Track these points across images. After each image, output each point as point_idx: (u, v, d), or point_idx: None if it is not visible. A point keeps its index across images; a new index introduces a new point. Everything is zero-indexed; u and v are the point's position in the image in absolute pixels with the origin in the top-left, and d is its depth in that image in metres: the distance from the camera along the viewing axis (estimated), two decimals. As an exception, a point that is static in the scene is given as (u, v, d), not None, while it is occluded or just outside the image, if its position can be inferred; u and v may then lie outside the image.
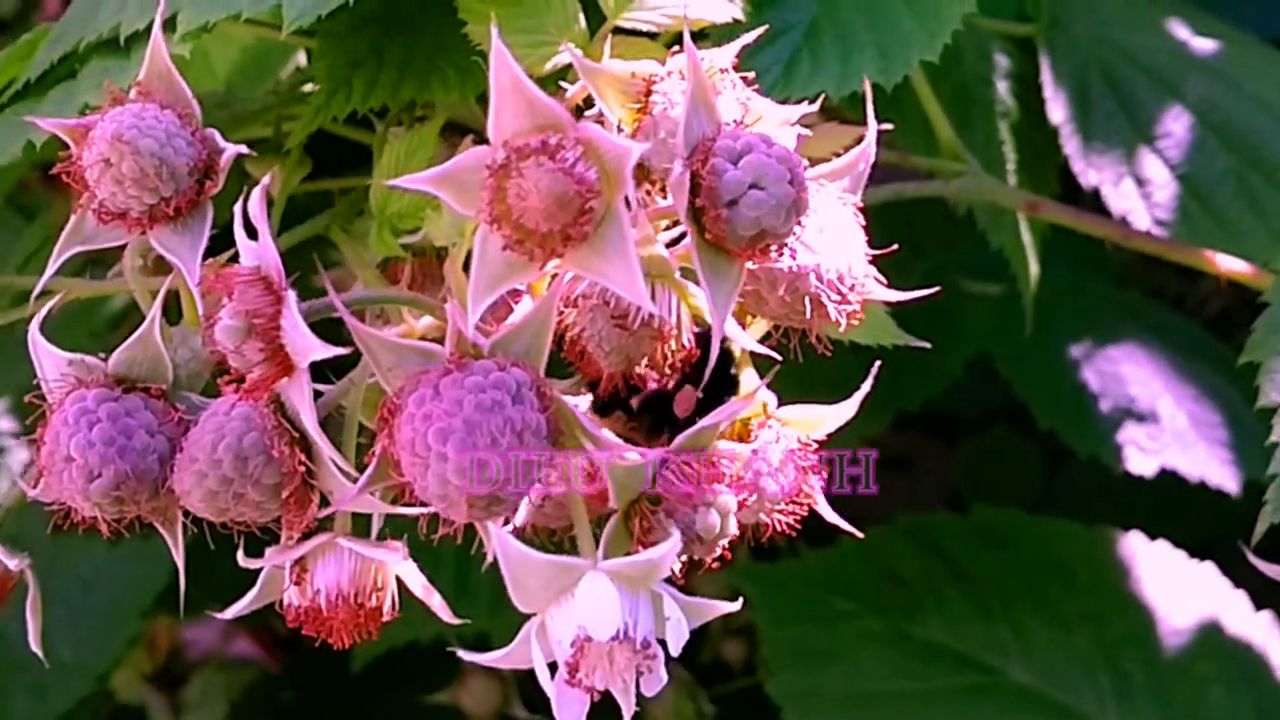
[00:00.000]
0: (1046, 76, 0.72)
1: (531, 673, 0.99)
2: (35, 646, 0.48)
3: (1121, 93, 0.72)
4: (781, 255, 0.41)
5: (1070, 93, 0.72)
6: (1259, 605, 0.82)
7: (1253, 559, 0.55)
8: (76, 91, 0.53)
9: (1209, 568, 0.83)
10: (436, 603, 0.45)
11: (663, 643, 0.40)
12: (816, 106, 0.46)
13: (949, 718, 0.81)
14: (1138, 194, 0.69)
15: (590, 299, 0.43)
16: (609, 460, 0.41)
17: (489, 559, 0.42)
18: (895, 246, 0.46)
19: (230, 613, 0.45)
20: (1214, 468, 0.86)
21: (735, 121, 0.41)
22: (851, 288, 0.44)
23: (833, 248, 0.44)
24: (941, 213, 0.78)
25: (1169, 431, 0.87)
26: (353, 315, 0.40)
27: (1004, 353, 0.92)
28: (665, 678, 0.39)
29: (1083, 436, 0.88)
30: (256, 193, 0.40)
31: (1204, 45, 0.76)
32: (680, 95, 0.43)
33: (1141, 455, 0.87)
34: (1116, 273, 1.08)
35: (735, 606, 0.41)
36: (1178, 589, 0.82)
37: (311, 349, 0.39)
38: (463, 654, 0.93)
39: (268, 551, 0.44)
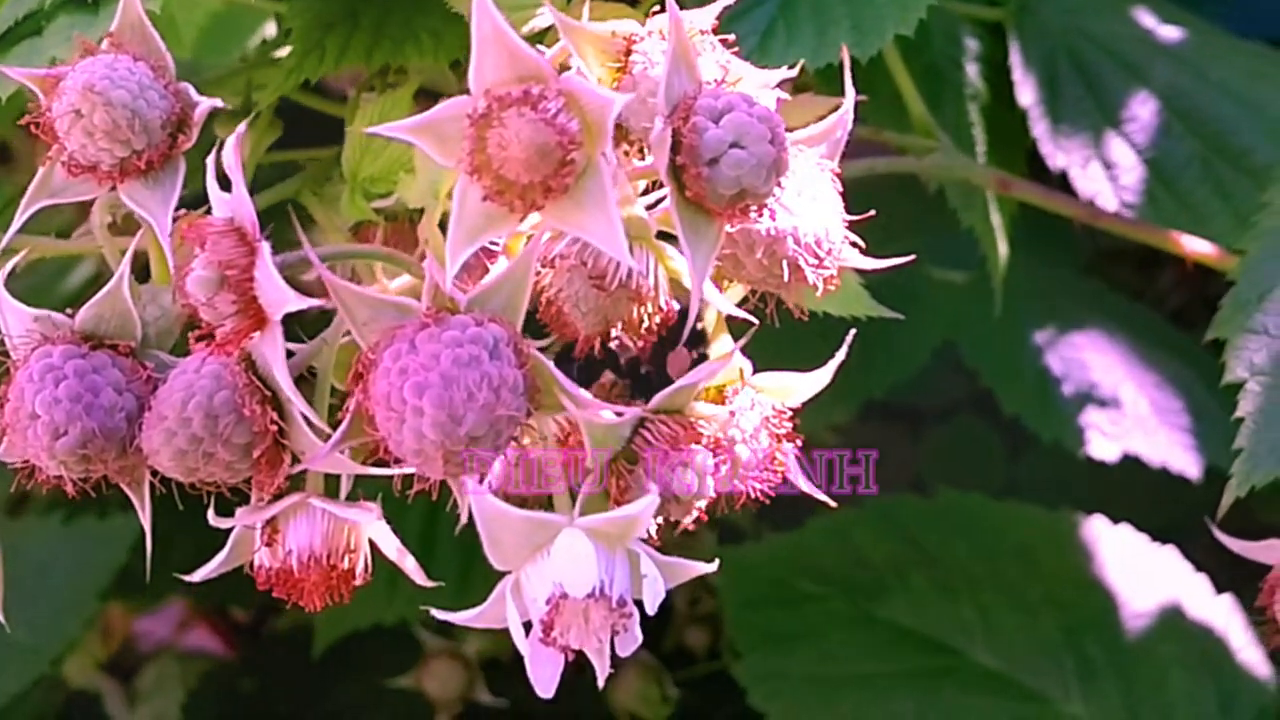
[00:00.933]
0: (1015, 60, 0.72)
1: (494, 658, 0.98)
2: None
3: (1089, 77, 0.72)
4: (760, 216, 0.41)
5: (1039, 76, 0.72)
6: (1218, 589, 0.82)
7: (1219, 536, 0.56)
8: (42, 47, 0.52)
9: (1170, 552, 0.83)
10: (410, 566, 0.44)
11: (639, 603, 0.40)
12: (795, 71, 0.46)
13: (914, 699, 0.81)
14: (1105, 176, 0.70)
15: (568, 259, 0.43)
16: (587, 418, 0.40)
17: (462, 519, 0.42)
18: (873, 213, 0.46)
19: (199, 575, 0.44)
20: (1176, 453, 0.87)
21: (716, 81, 0.41)
22: (829, 253, 0.44)
23: (810, 212, 0.44)
24: (909, 198, 0.78)
25: (1131, 417, 0.88)
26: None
27: (969, 340, 0.92)
28: (640, 637, 0.39)
29: (1046, 421, 0.89)
30: (231, 142, 0.39)
31: (1170, 33, 0.77)
32: (660, 55, 0.43)
33: (1104, 440, 0.87)
34: (1078, 265, 1.09)
35: (711, 567, 0.40)
36: (1140, 572, 0.83)
37: (285, 300, 0.39)
38: (427, 637, 0.93)
39: (238, 512, 0.43)
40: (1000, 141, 0.72)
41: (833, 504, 0.49)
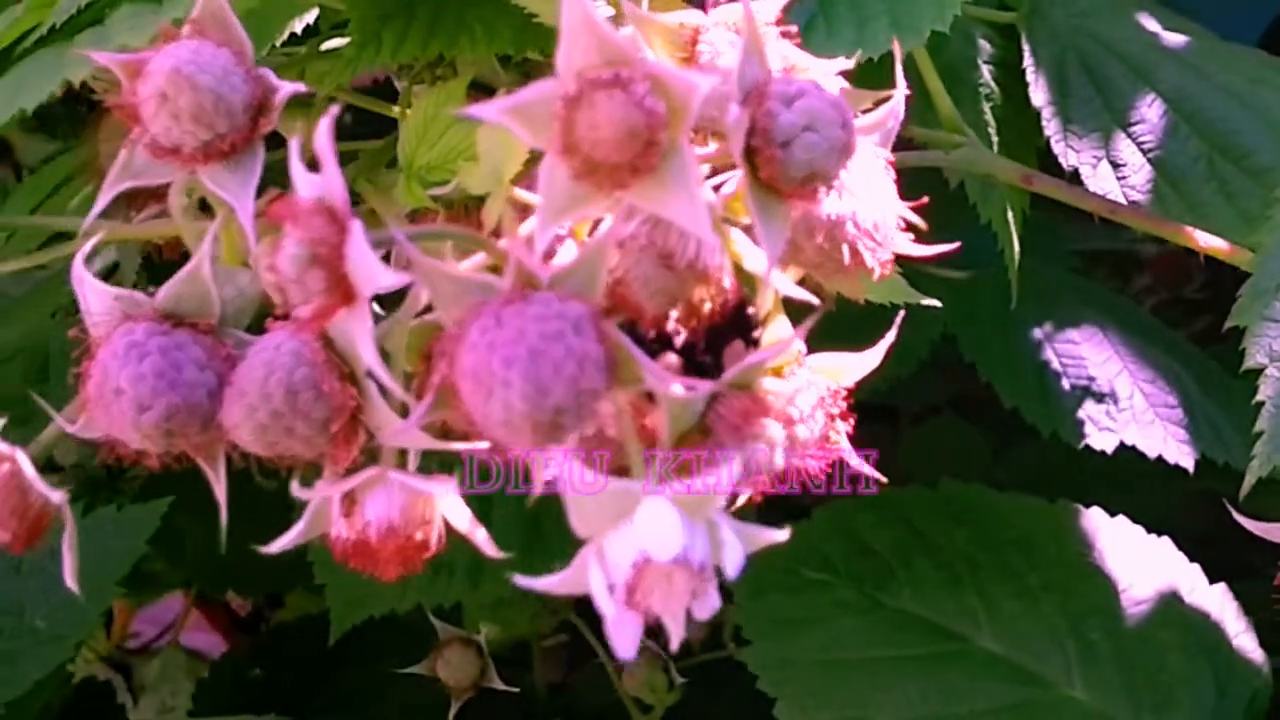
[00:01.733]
0: (1028, 61, 0.74)
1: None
2: (71, 583, 0.48)
3: (1098, 79, 0.75)
4: (825, 199, 0.43)
5: (1050, 78, 0.75)
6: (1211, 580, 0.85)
7: (1240, 519, 0.58)
8: (109, 34, 0.53)
9: (1165, 542, 0.86)
10: (482, 538, 0.46)
11: (718, 569, 0.41)
12: (852, 63, 0.48)
13: (920, 684, 0.83)
14: (1114, 176, 0.72)
15: (637, 239, 0.45)
16: (666, 392, 0.42)
17: (534, 491, 0.43)
18: (926, 200, 0.48)
19: (276, 546, 0.45)
20: (1171, 445, 0.89)
21: (785, 69, 0.43)
22: (886, 239, 0.46)
23: (868, 199, 0.46)
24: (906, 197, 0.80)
25: (1127, 410, 0.90)
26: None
27: (968, 335, 0.94)
28: (718, 602, 0.40)
29: (1045, 414, 0.91)
30: (324, 123, 0.41)
31: (1174, 38, 0.79)
32: (727, 45, 0.45)
33: (1101, 432, 0.90)
34: (1068, 265, 1.11)
35: (784, 535, 0.42)
36: (1137, 562, 0.85)
37: (379, 276, 0.40)
38: (440, 625, 0.94)
39: (317, 484, 0.45)
40: (1013, 141, 0.74)
41: (883, 479, 0.51)
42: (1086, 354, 0.93)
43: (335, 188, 0.41)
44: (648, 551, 0.39)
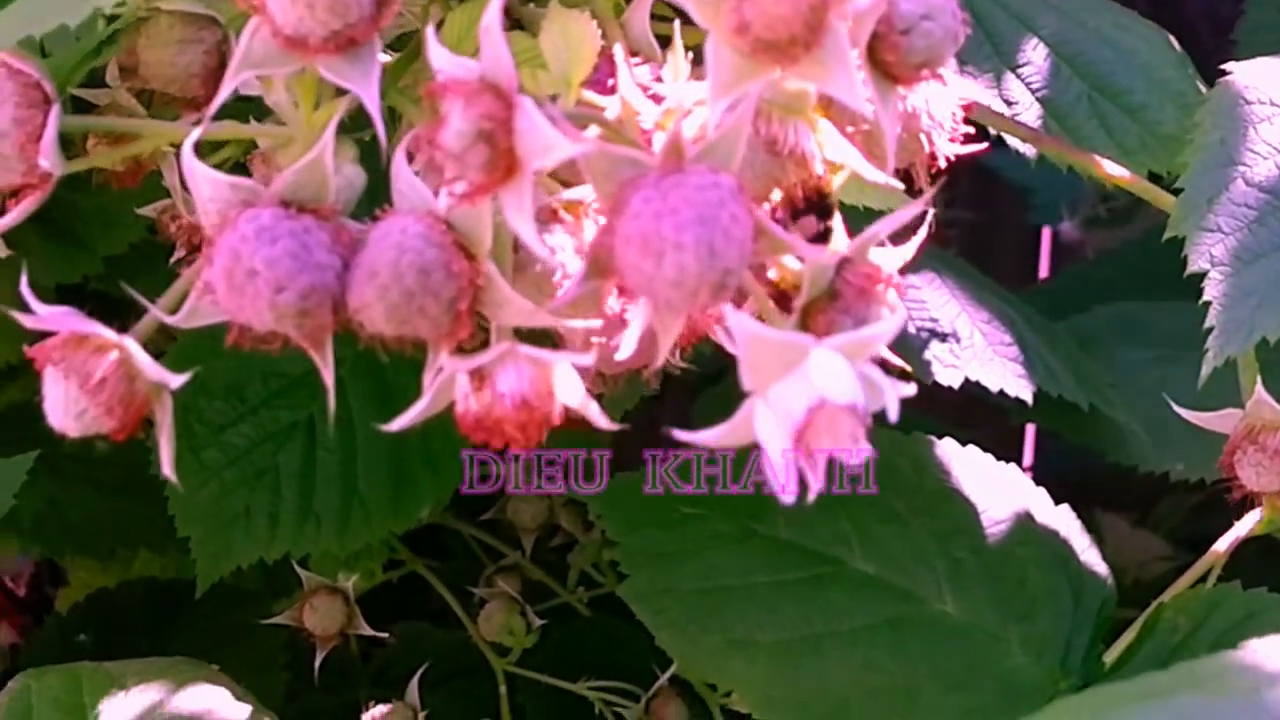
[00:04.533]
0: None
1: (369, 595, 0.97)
2: (168, 471, 0.46)
3: (985, 26, 0.80)
4: (923, 86, 0.46)
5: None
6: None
7: (1179, 410, 0.64)
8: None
9: (1013, 468, 0.92)
10: (594, 411, 0.46)
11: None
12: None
13: (799, 605, 0.86)
14: (1008, 114, 0.77)
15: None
16: (807, 255, 0.44)
17: (627, 350, 0.44)
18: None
19: (400, 422, 0.45)
20: (1010, 380, 0.96)
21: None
22: (954, 132, 0.49)
23: (938, 94, 0.49)
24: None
25: (969, 349, 0.96)
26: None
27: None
28: (870, 449, 0.42)
29: (897, 354, 0.96)
30: (494, 5, 0.41)
31: (1049, -11, 0.86)
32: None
33: (947, 369, 0.96)
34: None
35: (910, 389, 0.44)
36: (990, 487, 0.91)
37: (555, 147, 0.41)
38: (305, 574, 0.91)
39: (447, 360, 0.45)
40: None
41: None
42: (927, 298, 0.98)
43: (501, 65, 0.42)
44: (824, 396, 0.40)
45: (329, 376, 0.45)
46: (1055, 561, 0.88)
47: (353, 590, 0.91)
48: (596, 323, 0.45)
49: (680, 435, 0.43)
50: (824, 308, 0.45)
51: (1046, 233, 1.88)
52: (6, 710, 0.71)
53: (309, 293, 0.42)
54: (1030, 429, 1.65)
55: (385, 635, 0.92)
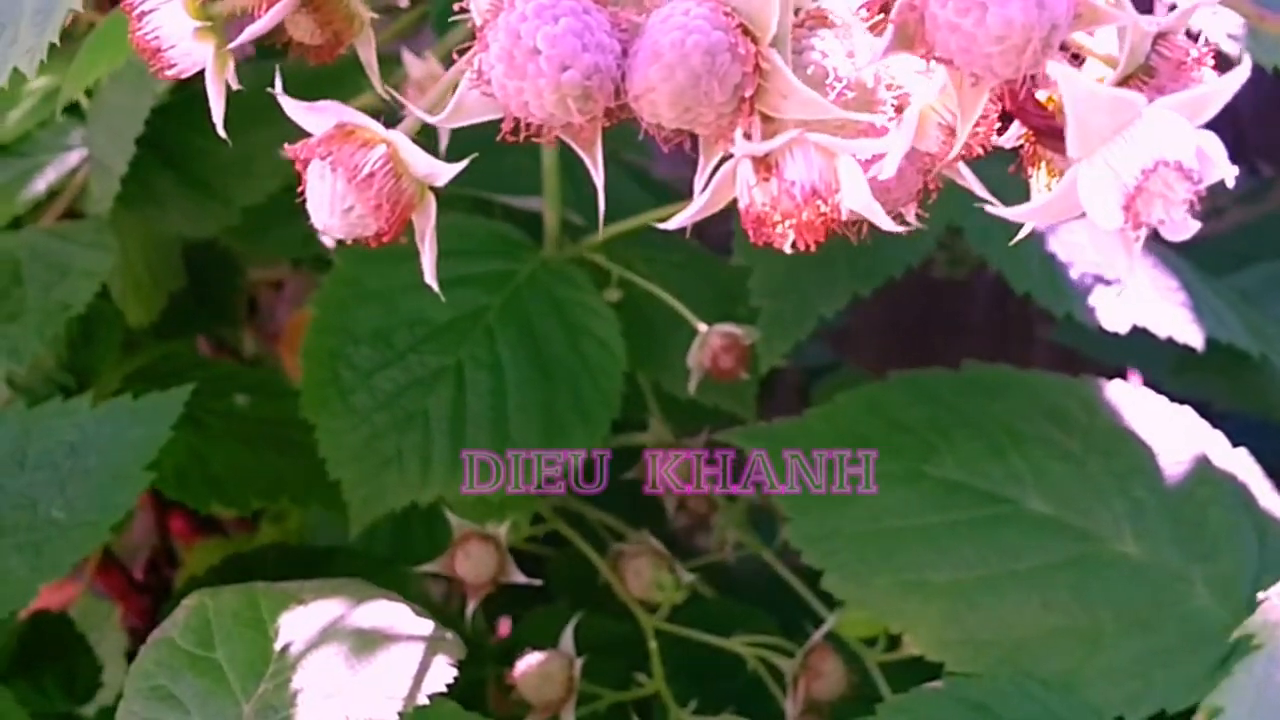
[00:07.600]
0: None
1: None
2: (430, 279, 0.45)
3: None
4: None
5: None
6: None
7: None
8: None
9: (1188, 410, 0.89)
10: (879, 213, 0.44)
11: None
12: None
13: (973, 545, 0.84)
14: None
15: None
16: (1136, 24, 0.43)
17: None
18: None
19: (678, 221, 0.43)
20: (1179, 325, 0.93)
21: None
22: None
23: None
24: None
25: (1134, 293, 0.94)
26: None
27: (973, 227, 0.96)
28: (1198, 224, 0.40)
29: (1058, 299, 0.94)
30: None
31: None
32: None
33: (1113, 314, 0.93)
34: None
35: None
36: (1165, 428, 0.88)
37: None
38: (456, 520, 0.89)
39: (738, 142, 0.43)
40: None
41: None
42: (1089, 243, 0.96)
43: None
44: (1162, 156, 0.38)
45: (598, 175, 0.44)
46: (1236, 502, 0.86)
47: (503, 538, 0.89)
48: (882, 117, 0.43)
49: (1000, 212, 0.41)
50: (1138, 85, 0.44)
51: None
52: (184, 626, 0.70)
53: (592, 72, 0.41)
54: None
55: (539, 582, 0.89)
